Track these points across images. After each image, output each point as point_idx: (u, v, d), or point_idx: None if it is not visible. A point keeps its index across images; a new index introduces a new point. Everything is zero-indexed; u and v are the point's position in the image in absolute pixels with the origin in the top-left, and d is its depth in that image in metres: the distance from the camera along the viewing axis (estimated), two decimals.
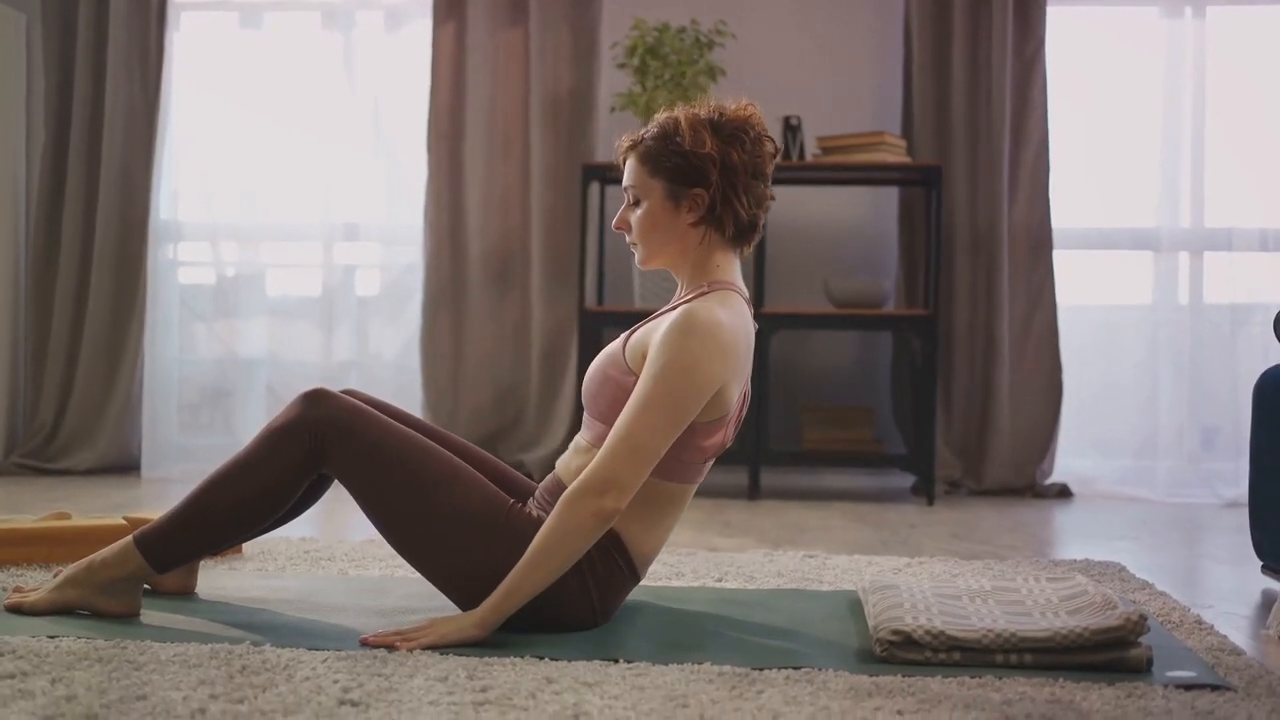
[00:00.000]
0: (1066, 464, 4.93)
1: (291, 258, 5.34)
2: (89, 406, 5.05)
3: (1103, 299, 5.13)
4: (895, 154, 4.63)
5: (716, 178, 2.16)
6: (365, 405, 2.21)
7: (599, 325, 4.67)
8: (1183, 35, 4.93)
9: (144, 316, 5.05)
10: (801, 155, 4.68)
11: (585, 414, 2.25)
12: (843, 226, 5.06)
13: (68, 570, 2.20)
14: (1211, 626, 2.31)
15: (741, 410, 2.23)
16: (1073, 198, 4.98)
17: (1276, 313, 2.89)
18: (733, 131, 2.18)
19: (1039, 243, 4.88)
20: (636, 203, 2.23)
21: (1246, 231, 4.89)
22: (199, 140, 5.21)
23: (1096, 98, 5.02)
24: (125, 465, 5.07)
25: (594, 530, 2.05)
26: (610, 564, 2.15)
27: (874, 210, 5.08)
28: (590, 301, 4.78)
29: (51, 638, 2.01)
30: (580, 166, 4.78)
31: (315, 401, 2.15)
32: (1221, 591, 2.87)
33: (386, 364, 5.18)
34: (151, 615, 2.22)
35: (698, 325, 2.07)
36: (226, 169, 5.21)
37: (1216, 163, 4.93)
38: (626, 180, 2.24)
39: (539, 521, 2.12)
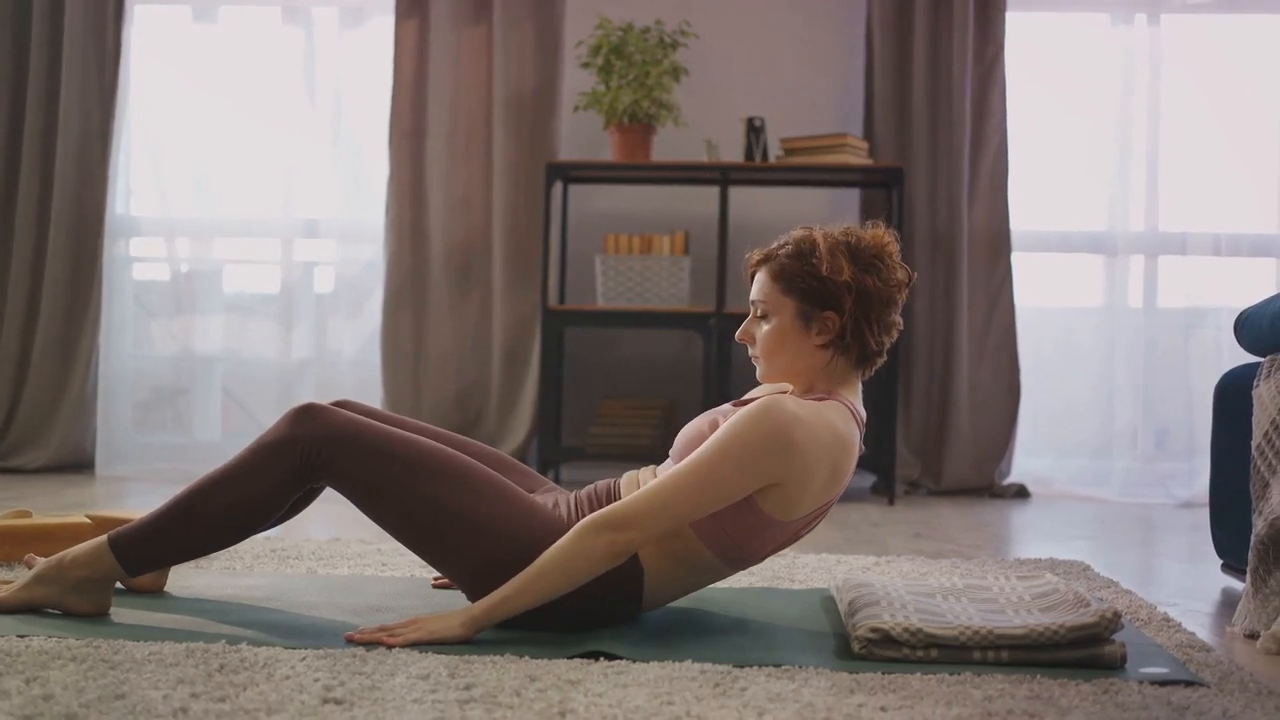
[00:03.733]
0: (1023, 464, 4.99)
1: (250, 254, 5.29)
2: (42, 404, 4.98)
3: (1060, 301, 5.19)
4: (858, 156, 4.66)
5: (851, 305, 2.15)
6: (360, 416, 2.18)
7: (561, 324, 4.66)
8: (1138, 42, 4.99)
9: (99, 313, 4.98)
10: (765, 156, 4.70)
11: (671, 459, 2.23)
12: None
13: (38, 568, 2.17)
14: (1180, 624, 2.34)
15: (813, 521, 2.19)
16: (1030, 201, 5.04)
17: (1237, 315, 2.93)
18: (870, 259, 2.17)
19: (998, 245, 4.93)
20: (764, 317, 2.22)
21: (1200, 236, 4.96)
22: (156, 136, 5.15)
23: (1054, 102, 5.07)
24: (79, 463, 5.00)
25: (603, 561, 2.04)
26: (622, 593, 2.13)
27: (835, 211, 5.10)
28: (553, 300, 4.77)
29: (21, 637, 1.98)
30: (544, 165, 4.77)
31: (307, 418, 2.11)
32: (1183, 589, 2.91)
33: (346, 362, 5.14)
34: (122, 614, 2.20)
35: (768, 413, 2.05)
36: (184, 165, 5.15)
37: (1171, 168, 5.00)
38: (756, 294, 2.22)
39: (562, 520, 2.13)
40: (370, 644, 1.99)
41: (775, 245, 2.23)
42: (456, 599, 2.36)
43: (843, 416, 2.14)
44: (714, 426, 2.16)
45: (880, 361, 2.24)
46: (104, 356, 5.01)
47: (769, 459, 2.05)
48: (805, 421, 2.07)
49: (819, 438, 2.08)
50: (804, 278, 2.16)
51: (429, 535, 2.12)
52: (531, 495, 2.22)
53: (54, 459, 4.94)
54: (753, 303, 2.24)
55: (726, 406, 2.24)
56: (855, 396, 2.23)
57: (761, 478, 2.06)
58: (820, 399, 2.16)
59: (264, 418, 5.10)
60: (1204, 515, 3.14)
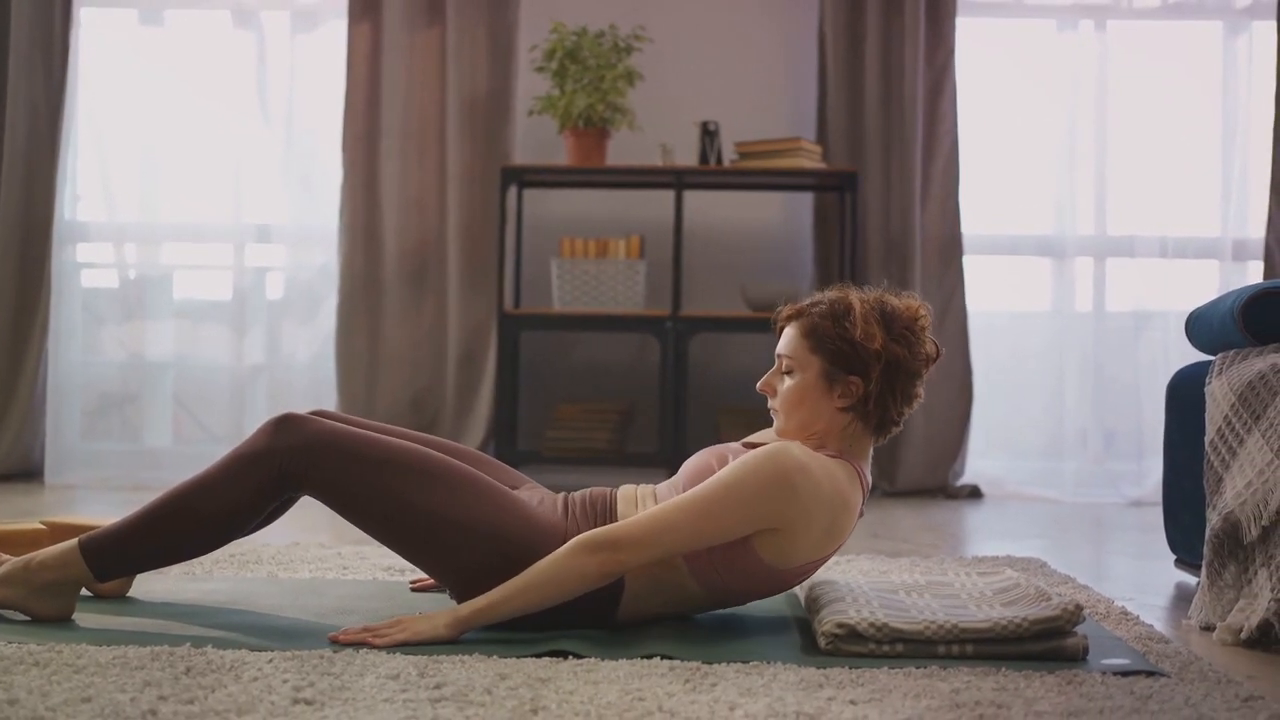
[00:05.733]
0: (976, 465, 5.04)
1: (201, 259, 5.24)
2: None
3: (1011, 305, 5.24)
4: (811, 160, 4.69)
5: (878, 373, 2.16)
6: (339, 424, 2.16)
7: (517, 328, 4.66)
8: (1085, 48, 5.06)
9: (47, 319, 4.91)
10: (719, 160, 4.73)
11: (670, 488, 2.23)
12: (759, 231, 5.11)
13: (3, 568, 2.14)
14: (1138, 617, 2.38)
15: (804, 575, 2.19)
16: (980, 205, 5.09)
17: (1187, 316, 2.98)
18: (902, 330, 2.18)
19: (950, 248, 4.98)
20: (788, 372, 2.22)
21: (1147, 239, 5.04)
22: (105, 140, 5.09)
23: (1003, 107, 5.13)
24: (28, 472, 4.92)
25: (595, 579, 2.04)
26: (597, 605, 2.11)
27: (789, 215, 5.14)
28: (508, 304, 4.77)
29: None
30: (498, 169, 4.76)
31: (285, 429, 2.09)
32: (1138, 584, 2.95)
33: (300, 367, 5.10)
34: (82, 618, 2.17)
35: (776, 456, 2.07)
36: (133, 169, 5.09)
37: (1118, 172, 5.07)
38: (783, 348, 2.22)
39: (555, 522, 2.13)
40: (355, 644, 1.98)
41: (808, 302, 2.23)
42: (429, 602, 2.36)
43: (849, 476, 2.16)
44: (721, 460, 2.17)
45: (896, 431, 2.25)
46: (52, 363, 4.94)
47: (770, 501, 2.06)
48: (811, 471, 2.08)
49: (822, 489, 2.09)
50: (835, 340, 2.17)
51: (415, 538, 2.11)
52: (515, 492, 2.22)
53: (1, 467, 4.86)
54: (778, 356, 2.23)
55: (736, 445, 2.26)
56: (865, 462, 2.23)
57: (761, 519, 2.07)
58: (830, 456, 2.17)
59: (215, 425, 5.06)
60: (1154, 514, 3.20)
